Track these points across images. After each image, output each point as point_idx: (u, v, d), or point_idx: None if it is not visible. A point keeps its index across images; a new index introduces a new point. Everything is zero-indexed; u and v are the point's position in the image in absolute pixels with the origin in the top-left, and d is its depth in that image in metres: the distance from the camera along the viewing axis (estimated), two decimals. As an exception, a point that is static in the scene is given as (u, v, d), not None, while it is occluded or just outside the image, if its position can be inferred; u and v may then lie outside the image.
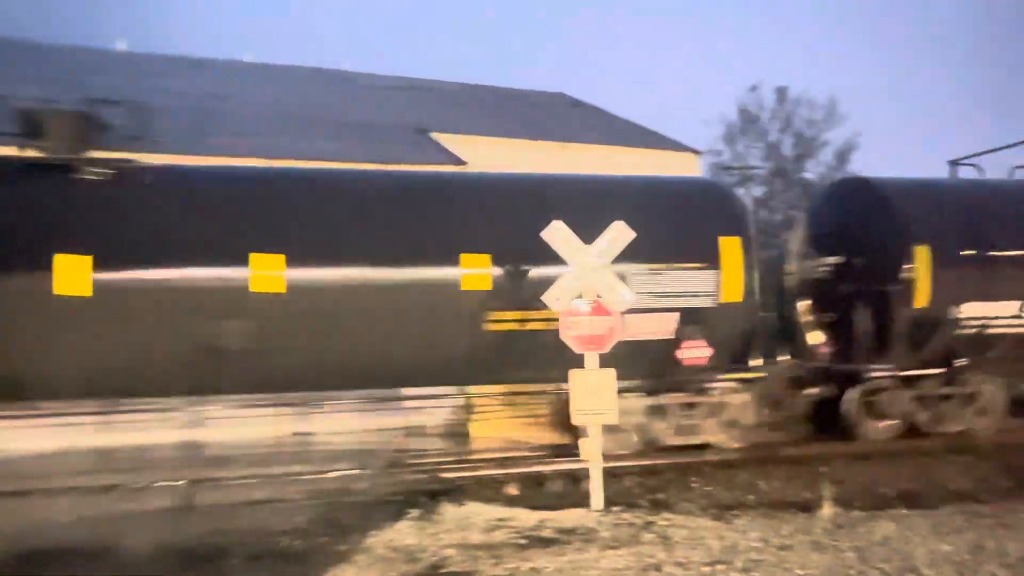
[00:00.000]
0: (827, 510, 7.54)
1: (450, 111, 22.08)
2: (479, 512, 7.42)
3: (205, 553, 6.54)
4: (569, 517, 7.31)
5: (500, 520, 7.20)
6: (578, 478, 8.68)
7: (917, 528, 6.73)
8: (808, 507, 7.79)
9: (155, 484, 8.88)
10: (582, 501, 7.81)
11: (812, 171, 35.22)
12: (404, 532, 6.89)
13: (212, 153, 13.82)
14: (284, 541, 6.89)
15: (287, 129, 17.47)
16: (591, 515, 7.40)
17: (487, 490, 8.65)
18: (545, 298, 7.78)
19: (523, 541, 6.58)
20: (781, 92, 36.03)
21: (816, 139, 35.68)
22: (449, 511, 7.49)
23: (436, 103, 22.90)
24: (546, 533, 6.80)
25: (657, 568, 5.79)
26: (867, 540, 6.38)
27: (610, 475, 8.10)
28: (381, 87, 24.10)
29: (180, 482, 8.90)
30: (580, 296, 7.64)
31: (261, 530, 7.18)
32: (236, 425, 10.27)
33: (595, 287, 7.61)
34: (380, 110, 20.90)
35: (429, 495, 8.20)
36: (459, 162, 16.79)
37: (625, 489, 8.79)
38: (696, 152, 22.18)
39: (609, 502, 7.70)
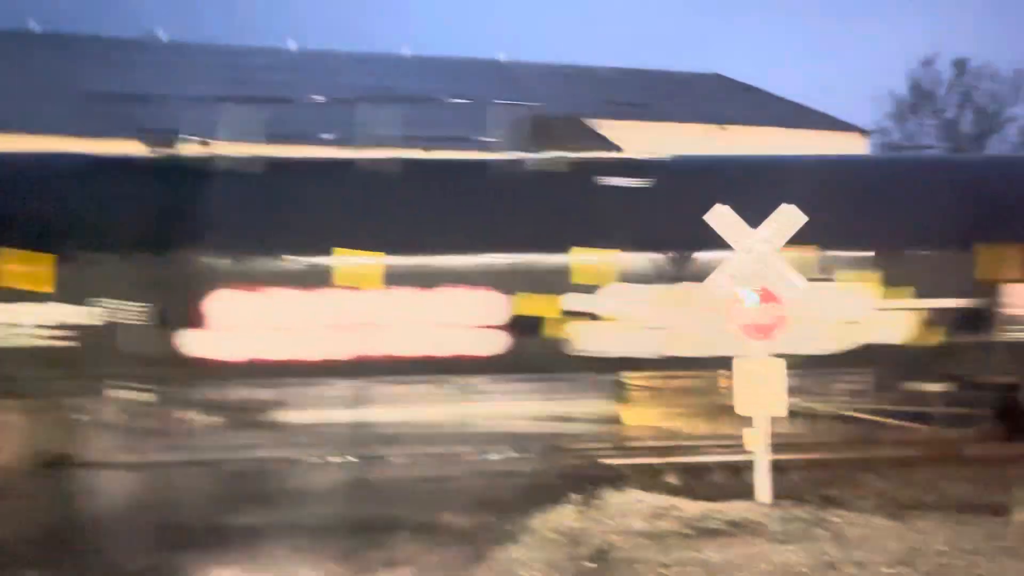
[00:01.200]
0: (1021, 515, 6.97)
1: (603, 95, 21.99)
2: (641, 499, 7.38)
3: (378, 526, 6.89)
4: (734, 509, 7.13)
5: (663, 509, 7.13)
6: (739, 469, 8.47)
7: None
8: (998, 510, 7.25)
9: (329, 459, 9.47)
10: (746, 493, 7.61)
11: (995, 150, 32.62)
12: (567, 516, 6.97)
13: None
14: (450, 518, 7.14)
15: (440, 119, 17.99)
16: (757, 508, 7.20)
17: (647, 478, 8.58)
18: (707, 284, 7.62)
19: (689, 531, 6.50)
20: (960, 64, 33.47)
21: (1000, 114, 32.90)
22: (611, 497, 7.49)
23: (590, 89, 22.87)
24: (712, 524, 6.68)
25: (832, 567, 5.57)
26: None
27: (774, 469, 7.86)
28: (534, 74, 24.32)
29: (352, 458, 9.44)
30: (747, 283, 7.43)
31: (429, 506, 7.48)
32: (400, 404, 10.77)
33: (763, 274, 7.37)
34: (535, 97, 21.12)
35: (589, 480, 8.23)
36: (615, 149, 16.71)
37: (791, 483, 8.51)
38: (863, 132, 21.06)
39: (776, 496, 7.47)
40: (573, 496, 7.53)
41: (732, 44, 69.03)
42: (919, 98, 33.49)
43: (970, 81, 33.33)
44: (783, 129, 19.56)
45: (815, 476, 8.88)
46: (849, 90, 59.80)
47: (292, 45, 25.26)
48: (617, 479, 8.33)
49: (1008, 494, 7.65)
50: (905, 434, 9.90)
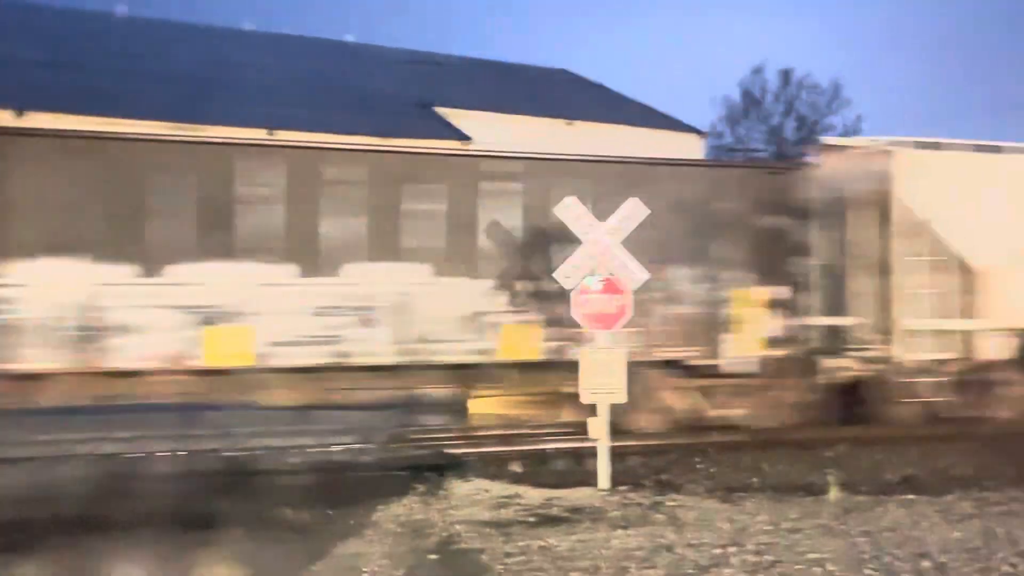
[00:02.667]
0: (835, 494, 7.50)
1: (454, 85, 21.87)
2: (486, 488, 7.38)
3: (209, 522, 6.47)
4: (576, 496, 7.27)
5: (507, 497, 7.16)
6: (582, 457, 8.65)
7: (926, 514, 6.71)
8: (815, 491, 7.76)
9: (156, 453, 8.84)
10: (588, 480, 7.77)
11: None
12: (412, 507, 6.84)
13: (209, 121, 13.67)
14: (289, 513, 6.84)
15: (288, 99, 17.28)
16: (598, 494, 7.36)
17: (492, 467, 8.60)
18: (556, 275, 7.69)
19: (532, 519, 6.54)
20: (785, 74, 35.86)
21: (819, 123, 35.55)
22: (456, 487, 7.43)
23: (440, 77, 22.68)
24: (555, 511, 6.75)
25: (669, 549, 5.75)
26: (876, 525, 6.36)
27: (614, 455, 8.08)
28: (384, 60, 23.86)
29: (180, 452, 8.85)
30: (592, 274, 7.56)
31: (265, 501, 7.12)
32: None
33: (607, 265, 7.52)
34: (383, 82, 20.71)
35: (435, 470, 8.14)
36: (464, 138, 16.65)
37: (629, 469, 8.78)
38: (700, 133, 22.07)
39: (615, 482, 7.66)
40: (417, 487, 7.42)
41: (580, 43, 70.85)
42: (749, 104, 35.67)
43: (793, 91, 35.84)
44: (627, 127, 20.16)
45: (652, 462, 9.22)
46: (690, 93, 62.83)
47: (123, 10, 23.46)
48: (463, 468, 8.29)
49: (822, 475, 8.23)
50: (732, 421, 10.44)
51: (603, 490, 7.53)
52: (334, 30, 56.79)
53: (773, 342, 10.62)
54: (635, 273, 7.57)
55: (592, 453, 7.87)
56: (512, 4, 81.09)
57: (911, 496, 7.53)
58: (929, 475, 8.92)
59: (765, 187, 10.75)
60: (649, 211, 7.71)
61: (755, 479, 8.75)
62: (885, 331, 11.33)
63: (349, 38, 25.90)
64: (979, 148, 11.91)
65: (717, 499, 7.35)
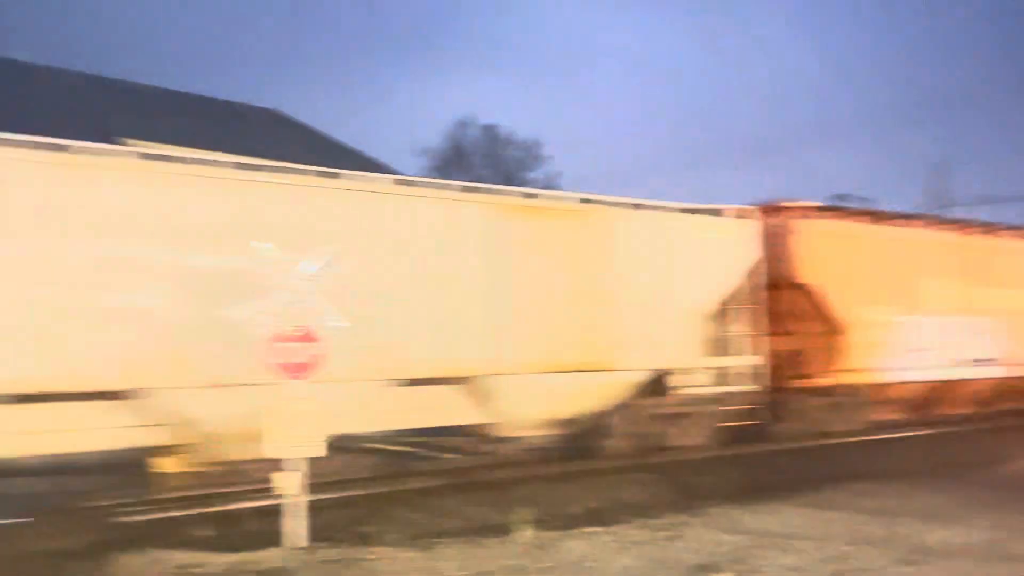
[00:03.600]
0: (526, 533, 7.75)
1: (145, 116, 20.29)
2: (161, 560, 6.66)
3: None
4: (267, 557, 6.81)
5: (186, 567, 6.51)
6: (278, 514, 8.17)
7: (605, 545, 7.17)
8: (508, 530, 7.98)
9: None
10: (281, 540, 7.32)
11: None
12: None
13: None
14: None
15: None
16: (291, 554, 6.96)
17: (174, 534, 7.83)
18: (246, 320, 7.26)
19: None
20: (489, 129, 37.91)
21: (520, 177, 37.94)
22: (125, 561, 6.63)
23: (129, 106, 20.93)
24: (240, 578, 6.27)
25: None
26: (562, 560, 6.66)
27: (311, 510, 7.74)
28: (64, 83, 21.53)
29: None
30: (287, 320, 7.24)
31: None
32: None
33: (304, 312, 7.25)
34: (63, 109, 18.66)
35: (103, 543, 7.22)
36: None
37: (328, 523, 8.46)
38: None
39: (312, 539, 7.31)
40: (78, 564, 6.52)
41: (295, 85, 69.64)
42: (455, 155, 37.19)
43: (497, 145, 38.02)
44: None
45: (351, 514, 8.97)
46: (399, 143, 64.21)
47: None
48: (136, 538, 7.44)
49: (512, 514, 8.51)
50: (434, 464, 10.54)
51: (298, 549, 7.14)
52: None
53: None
54: (331, 321, 7.37)
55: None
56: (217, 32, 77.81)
57: (595, 528, 8.01)
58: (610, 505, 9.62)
59: None
60: (342, 260, 7.58)
61: (456, 523, 8.85)
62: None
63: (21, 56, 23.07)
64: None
65: (417, 548, 7.29)
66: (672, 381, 12.52)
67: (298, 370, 7.13)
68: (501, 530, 8.03)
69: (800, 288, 14.22)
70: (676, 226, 12.72)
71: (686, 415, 12.71)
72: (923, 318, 15.54)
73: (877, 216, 16.00)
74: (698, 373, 12.83)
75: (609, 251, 12.02)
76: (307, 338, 7.15)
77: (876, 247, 15.18)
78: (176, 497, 9.21)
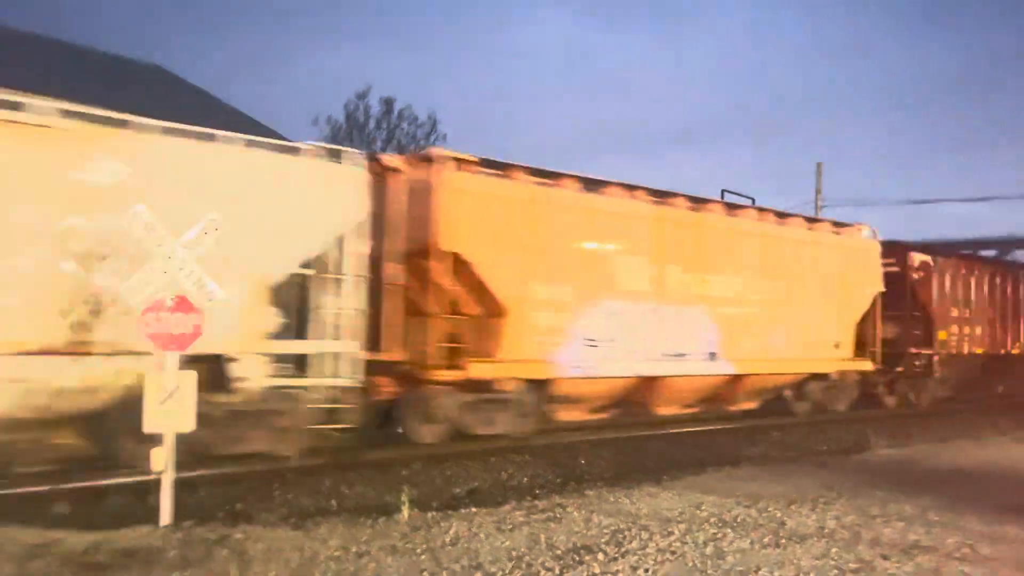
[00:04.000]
0: (405, 513, 7.71)
1: (27, 65, 18.91)
2: (13, 538, 6.25)
3: None
4: (132, 536, 6.49)
5: (42, 546, 6.14)
6: (148, 491, 7.82)
7: (484, 525, 7.20)
8: (388, 511, 7.92)
9: None
10: (150, 518, 7.02)
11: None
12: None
13: None
14: None
15: None
16: (158, 532, 6.68)
17: (29, 510, 7.37)
18: (123, 291, 6.89)
19: (71, 569, 5.68)
20: (388, 102, 37.28)
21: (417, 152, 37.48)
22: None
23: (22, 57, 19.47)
24: (102, 557, 5.94)
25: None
26: (441, 541, 6.65)
27: (184, 487, 7.46)
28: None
29: None
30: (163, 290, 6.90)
31: None
32: None
33: (181, 281, 6.93)
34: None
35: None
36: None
37: (200, 501, 8.17)
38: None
39: (182, 516, 7.03)
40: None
41: (185, 43, 66.44)
42: (352, 127, 36.42)
43: (394, 119, 37.45)
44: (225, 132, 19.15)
45: (226, 492, 8.70)
46: (298, 110, 62.32)
47: None
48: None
49: (394, 495, 8.46)
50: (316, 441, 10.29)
51: (165, 527, 6.85)
52: None
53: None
54: (212, 291, 7.08)
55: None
56: None
57: (475, 509, 8.03)
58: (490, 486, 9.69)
59: None
60: (222, 226, 7.28)
61: (332, 502, 8.72)
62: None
63: None
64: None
65: (290, 526, 7.13)
66: (233, 371, 9.36)
67: (174, 342, 6.82)
68: (381, 510, 7.97)
69: (452, 259, 11.58)
70: (229, 164, 9.47)
71: (260, 414, 9.65)
72: (621, 304, 13.33)
73: (557, 178, 13.13)
74: (264, 362, 9.65)
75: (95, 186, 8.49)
76: (184, 308, 6.83)
77: (556, 216, 12.73)
78: (33, 472, 8.67)
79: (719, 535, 6.89)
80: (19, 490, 7.99)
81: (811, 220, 18.04)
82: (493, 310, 12.01)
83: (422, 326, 11.61)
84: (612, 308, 13.22)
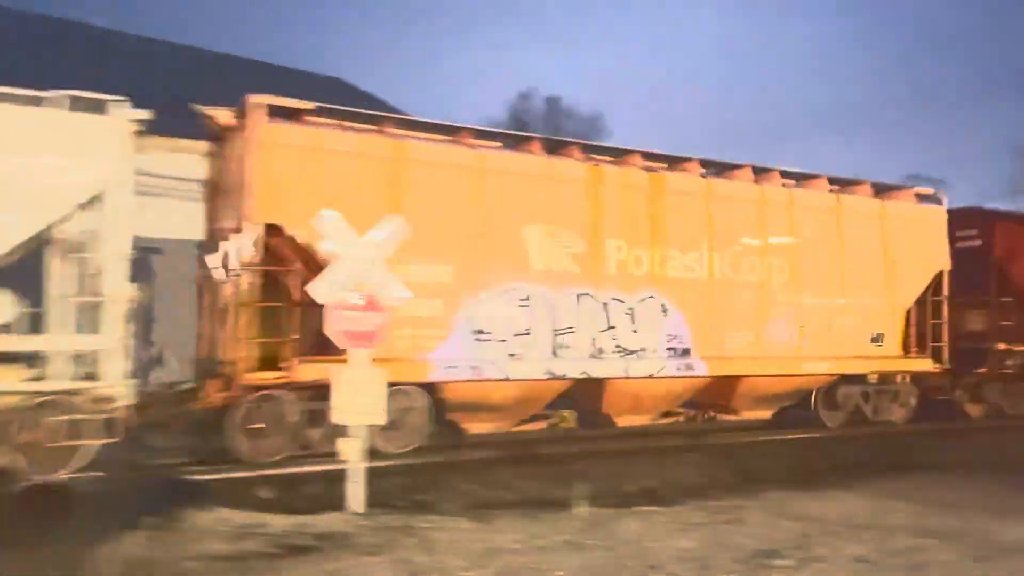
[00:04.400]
0: (582, 508, 7.74)
1: (213, 82, 20.57)
2: (227, 518, 6.83)
3: None
4: (327, 522, 6.94)
5: (250, 527, 6.68)
6: (339, 479, 8.31)
7: (660, 524, 7.11)
8: (563, 505, 7.98)
9: None
10: (341, 504, 7.45)
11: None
12: (137, 544, 6.16)
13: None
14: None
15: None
16: (350, 519, 7.08)
17: (236, 493, 8.03)
18: (310, 288, 7.36)
19: (274, 550, 6.14)
20: (552, 101, 37.56)
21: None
22: (193, 518, 6.82)
23: (197, 71, 21.27)
24: (301, 540, 6.39)
25: (415, 574, 5.63)
26: (617, 538, 6.63)
27: (371, 476, 7.86)
28: (135, 50, 21.98)
29: None
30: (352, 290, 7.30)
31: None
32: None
33: (369, 281, 7.30)
34: (132, 73, 19.03)
35: (170, 500, 7.44)
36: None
37: (385, 490, 8.58)
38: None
39: (370, 505, 7.42)
40: (148, 519, 6.72)
41: (361, 54, 70.18)
42: (517, 127, 36.96)
43: (559, 118, 37.71)
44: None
45: (407, 482, 9.08)
46: (462, 113, 64.31)
47: None
48: (203, 496, 7.66)
49: (568, 489, 8.52)
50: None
51: (356, 514, 7.26)
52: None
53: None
54: (398, 291, 7.42)
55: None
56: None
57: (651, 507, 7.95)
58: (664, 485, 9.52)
59: None
60: (410, 231, 7.59)
61: (511, 495, 8.89)
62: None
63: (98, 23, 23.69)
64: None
65: (469, 518, 7.35)
66: None
67: (363, 339, 7.20)
68: (556, 504, 8.05)
69: (272, 232, 9.53)
70: None
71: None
72: (534, 288, 10.82)
73: (456, 132, 10.93)
74: None
75: None
76: (372, 307, 7.21)
77: (430, 176, 10.33)
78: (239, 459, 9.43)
79: (918, 546, 6.45)
80: (235, 475, 8.68)
81: (840, 182, 14.16)
82: None
83: (234, 317, 9.63)
84: (518, 293, 10.76)
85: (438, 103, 61.14)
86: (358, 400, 7.20)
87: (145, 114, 8.95)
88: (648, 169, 12.10)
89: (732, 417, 13.09)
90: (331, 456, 7.99)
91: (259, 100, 9.59)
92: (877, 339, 13.61)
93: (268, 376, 9.43)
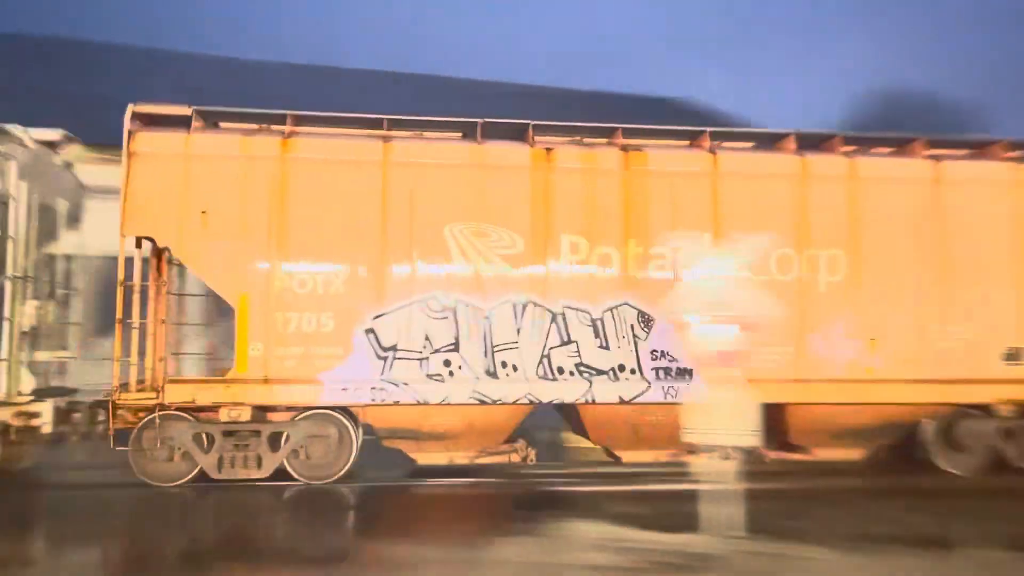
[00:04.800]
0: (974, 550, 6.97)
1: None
2: (598, 532, 7.09)
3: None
4: (697, 542, 6.93)
5: (620, 540, 6.85)
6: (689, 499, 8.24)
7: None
8: (948, 544, 7.23)
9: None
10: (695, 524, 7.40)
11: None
12: (528, 550, 6.61)
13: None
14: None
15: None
16: (723, 541, 7.01)
17: (603, 508, 8.28)
18: (683, 309, 7.46)
19: (645, 565, 6.25)
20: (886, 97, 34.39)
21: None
22: (569, 528, 7.18)
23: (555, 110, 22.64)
24: (672, 559, 6.44)
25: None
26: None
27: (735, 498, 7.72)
28: (492, 93, 23.72)
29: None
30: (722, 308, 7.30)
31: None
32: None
33: (740, 300, 7.26)
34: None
35: (536, 508, 7.92)
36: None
37: (751, 513, 8.38)
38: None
39: (728, 527, 7.29)
40: (526, 527, 7.17)
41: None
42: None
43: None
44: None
45: (770, 507, 8.75)
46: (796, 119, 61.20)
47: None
48: (563, 506, 7.99)
49: (956, 525, 7.63)
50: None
51: (727, 536, 7.16)
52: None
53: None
54: (768, 310, 7.29)
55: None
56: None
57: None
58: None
59: None
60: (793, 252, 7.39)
61: (884, 528, 8.21)
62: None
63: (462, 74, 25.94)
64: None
65: (845, 551, 6.91)
66: None
67: (735, 359, 7.16)
68: (939, 542, 7.31)
69: (144, 246, 9.51)
70: None
71: None
72: (457, 297, 9.33)
73: (342, 124, 9.70)
74: None
75: None
76: (746, 328, 7.14)
77: (320, 175, 9.32)
78: (594, 472, 9.78)
79: None
80: (593, 488, 9.04)
81: (946, 144, 10.58)
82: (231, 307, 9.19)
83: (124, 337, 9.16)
84: (438, 304, 9.33)
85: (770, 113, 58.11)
86: (728, 422, 7.14)
87: (54, 134, 9.72)
88: (624, 148, 9.90)
89: (800, 457, 10.30)
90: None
91: (138, 109, 9.35)
92: (1014, 355, 10.27)
93: (140, 397, 9.07)
